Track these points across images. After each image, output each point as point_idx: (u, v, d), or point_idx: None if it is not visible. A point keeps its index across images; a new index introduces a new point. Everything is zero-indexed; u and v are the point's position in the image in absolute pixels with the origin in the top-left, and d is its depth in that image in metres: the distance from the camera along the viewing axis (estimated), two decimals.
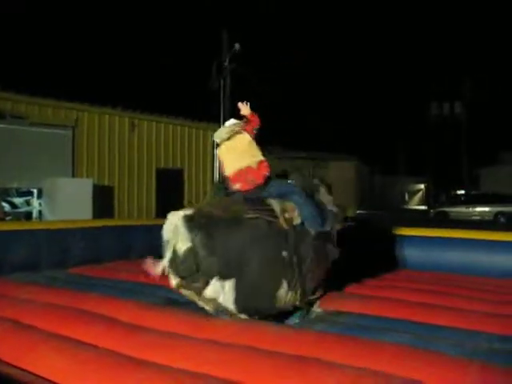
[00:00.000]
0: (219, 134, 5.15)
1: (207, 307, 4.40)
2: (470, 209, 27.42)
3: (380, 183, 48.83)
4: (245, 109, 5.25)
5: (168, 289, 5.86)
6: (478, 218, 26.79)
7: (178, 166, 17.64)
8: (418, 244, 7.57)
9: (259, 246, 4.45)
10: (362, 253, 7.20)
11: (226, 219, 4.40)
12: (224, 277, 4.24)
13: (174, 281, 4.31)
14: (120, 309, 4.59)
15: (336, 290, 5.57)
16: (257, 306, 4.45)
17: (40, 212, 13.61)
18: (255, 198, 4.75)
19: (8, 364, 3.57)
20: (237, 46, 17.49)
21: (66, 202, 12.37)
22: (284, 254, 4.58)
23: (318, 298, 5.10)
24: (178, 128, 17.72)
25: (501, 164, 42.12)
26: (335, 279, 5.42)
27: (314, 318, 4.75)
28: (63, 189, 12.57)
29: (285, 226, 4.65)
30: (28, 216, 13.79)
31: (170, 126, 17.49)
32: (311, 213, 4.86)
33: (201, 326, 4.07)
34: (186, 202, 17.22)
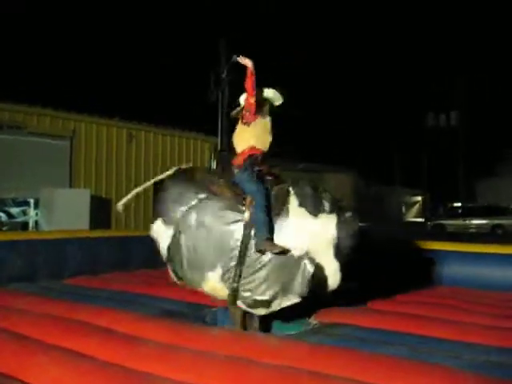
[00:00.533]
0: (278, 97, 5.28)
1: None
2: (467, 221, 27.49)
3: (377, 195, 48.82)
4: (244, 60, 5.12)
5: (164, 299, 5.88)
6: (475, 230, 26.83)
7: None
8: (418, 257, 7.50)
9: (212, 220, 4.66)
10: (359, 266, 7.18)
11: (200, 185, 4.89)
12: (169, 222, 4.84)
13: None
14: (117, 320, 4.58)
15: (333, 302, 5.56)
16: (185, 270, 4.77)
17: (36, 222, 13.57)
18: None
19: (4, 375, 3.55)
20: (234, 57, 17.57)
21: (63, 213, 12.35)
22: (231, 242, 4.61)
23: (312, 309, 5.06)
24: (176, 139, 17.71)
25: (497, 176, 42.23)
26: (332, 291, 5.39)
27: (310, 330, 4.74)
28: (60, 199, 12.56)
29: (247, 219, 4.62)
30: (24, 226, 13.75)
31: (168, 137, 17.49)
32: (261, 222, 4.55)
33: (197, 337, 4.07)
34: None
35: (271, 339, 4.07)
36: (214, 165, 18.32)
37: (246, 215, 4.63)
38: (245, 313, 4.81)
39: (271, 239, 4.53)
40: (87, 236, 8.76)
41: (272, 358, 3.51)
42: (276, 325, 5.01)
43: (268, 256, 4.56)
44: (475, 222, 27.27)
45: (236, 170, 4.92)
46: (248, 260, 4.60)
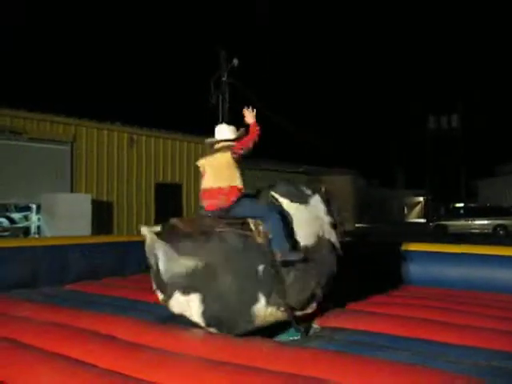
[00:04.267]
0: (208, 141, 5.24)
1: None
2: (469, 222, 27.36)
3: (378, 196, 48.80)
4: (249, 116, 5.08)
5: (164, 306, 5.87)
6: (477, 230, 26.73)
7: (177, 180, 17.65)
8: (420, 259, 7.49)
9: (230, 260, 4.46)
10: (361, 268, 7.18)
11: (191, 233, 4.49)
12: (189, 290, 4.33)
13: (159, 295, 4.54)
14: (117, 327, 4.57)
15: (333, 306, 5.54)
16: (227, 321, 4.42)
17: (38, 227, 13.58)
18: (225, 215, 4.79)
19: None
20: (235, 61, 17.60)
21: (64, 218, 12.35)
22: (260, 267, 4.55)
23: (314, 313, 5.06)
24: (177, 143, 17.76)
25: (499, 176, 42.16)
26: (333, 295, 5.39)
27: (311, 335, 4.73)
28: (62, 204, 12.57)
29: (260, 239, 4.64)
30: (26, 231, 13.77)
31: (169, 141, 17.53)
32: (278, 235, 4.68)
33: (198, 344, 4.06)
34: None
35: (272, 345, 4.06)
36: None
37: (258, 238, 4.65)
38: None
39: (293, 249, 4.73)
40: (88, 242, 8.75)
41: (274, 365, 3.50)
42: (277, 330, 4.99)
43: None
44: (477, 222, 27.15)
45: (230, 204, 4.80)
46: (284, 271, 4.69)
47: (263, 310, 4.52)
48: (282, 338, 4.74)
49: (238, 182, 4.86)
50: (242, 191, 4.86)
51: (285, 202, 4.99)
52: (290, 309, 4.66)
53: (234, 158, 4.88)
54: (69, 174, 14.72)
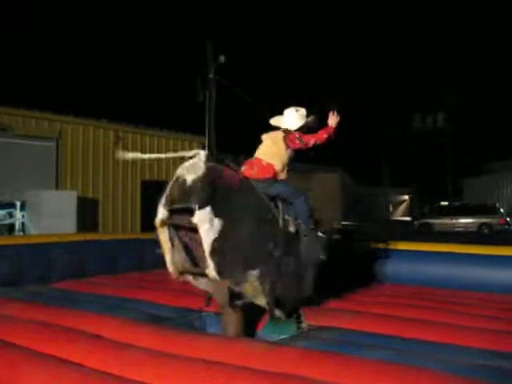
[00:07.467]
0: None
1: None
2: (454, 220, 27.58)
3: (364, 194, 48.95)
4: (333, 120, 5.06)
5: (152, 304, 5.85)
6: (462, 229, 26.94)
7: (163, 178, 17.57)
8: (404, 258, 7.54)
9: (256, 220, 4.50)
10: (347, 266, 7.19)
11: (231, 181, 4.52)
12: (214, 215, 4.18)
13: (160, 215, 4.37)
14: (105, 326, 4.54)
15: (320, 305, 5.55)
16: (229, 266, 4.34)
17: (23, 224, 13.45)
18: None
19: None
20: (222, 57, 17.52)
21: (49, 215, 12.26)
22: (270, 244, 4.57)
23: (297, 315, 5.05)
24: (163, 140, 17.69)
25: (484, 175, 42.49)
26: (319, 294, 5.40)
27: (298, 335, 4.73)
28: (47, 201, 12.47)
29: (281, 223, 4.71)
30: (11, 228, 13.62)
31: (155, 138, 17.45)
32: (305, 211, 4.94)
33: (186, 343, 4.03)
34: None
35: (261, 345, 4.05)
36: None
37: (281, 221, 4.73)
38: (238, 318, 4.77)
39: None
40: (74, 239, 8.70)
41: (262, 364, 3.49)
42: (266, 329, 4.99)
43: (293, 263, 4.82)
44: (462, 220, 27.39)
45: (254, 175, 4.79)
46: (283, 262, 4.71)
47: (253, 279, 4.48)
48: (271, 336, 4.74)
49: (277, 163, 4.84)
50: (278, 175, 4.85)
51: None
52: (272, 298, 4.61)
53: (286, 142, 4.87)
54: (54, 170, 14.61)
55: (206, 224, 4.16)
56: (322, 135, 4.98)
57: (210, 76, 17.98)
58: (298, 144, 4.91)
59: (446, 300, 6.08)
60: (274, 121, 5.12)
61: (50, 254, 7.86)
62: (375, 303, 5.85)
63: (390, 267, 7.47)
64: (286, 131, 4.94)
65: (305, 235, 4.94)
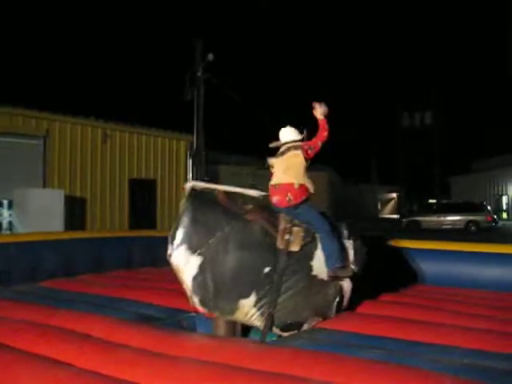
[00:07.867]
0: (273, 145, 5.08)
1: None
2: (442, 218, 27.69)
3: (353, 193, 49.11)
4: (319, 111, 4.94)
5: (141, 304, 5.80)
6: (449, 226, 27.07)
7: (151, 176, 17.52)
8: (397, 256, 7.50)
9: (244, 247, 4.49)
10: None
11: (226, 209, 4.56)
12: (194, 249, 4.38)
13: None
14: (94, 325, 4.50)
15: None
16: (213, 296, 4.45)
17: (10, 223, 13.36)
18: (276, 211, 4.74)
19: None
20: (210, 56, 17.49)
21: (37, 213, 12.18)
22: (266, 269, 4.54)
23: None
24: (151, 138, 17.63)
25: (471, 173, 42.77)
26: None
27: (291, 335, 4.71)
28: (34, 200, 12.40)
29: (280, 245, 4.63)
30: None
31: (143, 137, 17.39)
32: (332, 250, 4.74)
33: (177, 343, 4.01)
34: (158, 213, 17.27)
35: (252, 345, 4.03)
36: (189, 164, 18.32)
37: (280, 242, 4.64)
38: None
39: (343, 266, 4.78)
40: (62, 238, 8.63)
41: (253, 364, 3.47)
42: (257, 330, 4.97)
43: (303, 282, 4.72)
44: (450, 218, 27.51)
45: (292, 202, 4.71)
46: (284, 286, 4.64)
47: (248, 307, 4.51)
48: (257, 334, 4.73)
49: (306, 182, 4.80)
50: (310, 191, 4.81)
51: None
52: (271, 322, 4.60)
53: (304, 154, 4.80)
54: (41, 169, 14.52)
55: (182, 264, 4.33)
56: (322, 134, 4.93)
57: (199, 74, 17.95)
58: (310, 154, 4.87)
59: (438, 298, 6.06)
60: (284, 137, 5.03)
61: (38, 253, 7.79)
62: (368, 304, 5.83)
63: (381, 266, 7.43)
64: (294, 146, 4.88)
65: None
